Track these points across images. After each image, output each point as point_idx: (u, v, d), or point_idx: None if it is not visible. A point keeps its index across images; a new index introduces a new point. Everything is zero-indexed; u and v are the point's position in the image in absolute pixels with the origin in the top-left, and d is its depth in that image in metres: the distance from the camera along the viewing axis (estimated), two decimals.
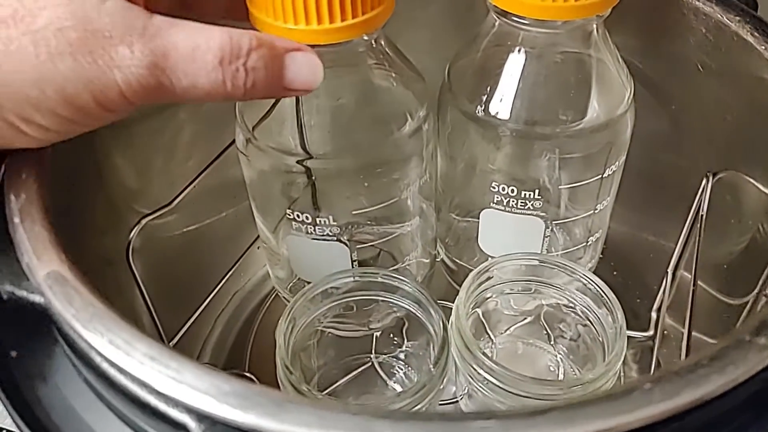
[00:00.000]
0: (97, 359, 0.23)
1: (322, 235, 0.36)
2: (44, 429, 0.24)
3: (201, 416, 0.21)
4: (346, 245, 0.37)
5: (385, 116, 0.36)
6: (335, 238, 0.37)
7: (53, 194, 0.28)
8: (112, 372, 0.23)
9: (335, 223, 0.36)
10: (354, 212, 0.37)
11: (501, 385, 0.35)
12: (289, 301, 0.42)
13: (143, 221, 0.37)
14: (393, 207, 0.37)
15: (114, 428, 0.24)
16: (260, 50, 0.26)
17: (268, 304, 0.47)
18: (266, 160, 0.35)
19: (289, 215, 0.36)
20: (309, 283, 0.38)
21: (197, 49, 0.25)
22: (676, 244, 0.42)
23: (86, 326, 0.23)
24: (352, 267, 0.38)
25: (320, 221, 0.36)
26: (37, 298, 0.25)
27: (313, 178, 0.36)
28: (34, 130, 0.26)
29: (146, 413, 0.23)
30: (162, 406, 0.22)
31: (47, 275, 0.24)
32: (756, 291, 0.34)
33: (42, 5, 0.24)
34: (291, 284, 0.42)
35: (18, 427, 0.25)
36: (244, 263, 0.45)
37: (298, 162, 0.35)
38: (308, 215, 0.36)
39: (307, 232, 0.36)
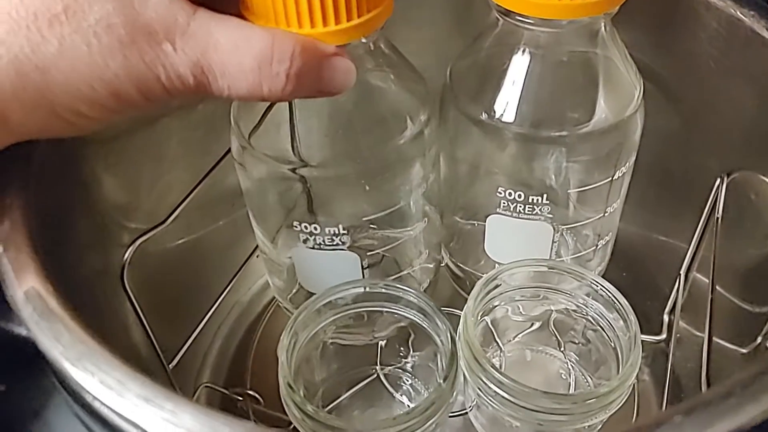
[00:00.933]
0: (89, 398, 0.22)
1: (332, 245, 0.35)
2: None
3: None
4: (357, 254, 0.37)
5: (385, 120, 0.35)
6: (345, 247, 0.36)
7: (39, 217, 0.27)
8: (105, 411, 0.21)
9: (345, 232, 0.35)
10: (356, 219, 0.36)
11: (511, 399, 0.34)
12: (289, 311, 0.41)
13: (137, 241, 0.36)
14: (396, 213, 0.36)
15: None
16: (303, 56, 0.26)
17: (267, 316, 0.46)
18: (262, 168, 0.34)
19: (296, 227, 0.35)
20: (312, 293, 0.37)
21: (237, 50, 0.25)
22: (689, 246, 0.41)
23: (75, 365, 0.21)
24: (363, 276, 0.37)
25: (329, 230, 0.35)
26: (24, 332, 0.24)
27: (309, 185, 0.35)
28: (79, 120, 0.26)
29: None
30: None
31: (33, 310, 0.23)
32: None
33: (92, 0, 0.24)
34: (292, 294, 0.41)
35: None
36: (242, 274, 0.44)
37: (293, 170, 0.33)
38: (316, 225, 0.35)
39: (316, 243, 0.35)
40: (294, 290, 0.41)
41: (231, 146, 0.35)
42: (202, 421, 0.19)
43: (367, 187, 0.35)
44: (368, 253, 0.36)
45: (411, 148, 0.35)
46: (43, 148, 0.29)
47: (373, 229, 0.37)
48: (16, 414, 0.25)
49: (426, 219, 0.39)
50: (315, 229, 0.34)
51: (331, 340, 0.41)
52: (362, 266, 0.37)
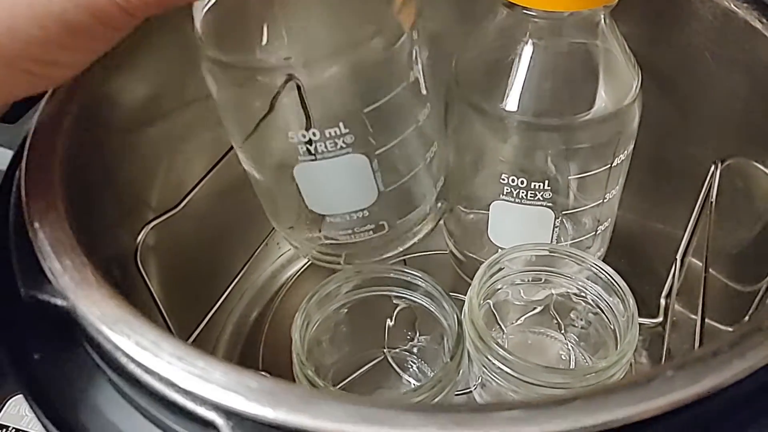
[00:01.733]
0: (123, 360, 0.23)
1: (335, 150, 0.32)
2: (71, 429, 0.25)
3: (230, 414, 0.21)
4: (365, 155, 0.33)
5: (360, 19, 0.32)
6: (350, 150, 0.32)
7: (68, 198, 0.29)
8: (139, 373, 0.23)
9: (347, 131, 0.31)
10: (356, 114, 0.32)
11: (515, 375, 0.36)
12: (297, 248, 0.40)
13: (151, 224, 0.38)
14: (396, 100, 0.33)
15: (141, 428, 0.25)
16: None
17: (280, 299, 0.47)
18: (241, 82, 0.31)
19: (292, 138, 0.31)
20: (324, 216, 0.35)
21: None
22: (685, 231, 0.42)
23: (112, 328, 0.23)
24: (376, 181, 0.34)
25: (329, 133, 0.31)
26: (59, 302, 0.25)
27: (300, 87, 0.31)
28: (41, 68, 0.25)
29: (174, 412, 0.23)
30: (190, 405, 0.22)
31: (71, 279, 0.24)
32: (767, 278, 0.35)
33: None
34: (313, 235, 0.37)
35: (45, 427, 0.25)
36: (257, 258, 0.46)
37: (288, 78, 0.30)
38: (315, 131, 0.31)
39: (318, 151, 0.32)
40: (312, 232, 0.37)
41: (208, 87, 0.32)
42: (231, 377, 0.21)
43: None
44: (376, 153, 0.32)
45: (396, 59, 0.32)
46: (72, 136, 0.31)
47: (375, 121, 0.33)
48: (50, 380, 0.26)
49: (429, 105, 0.36)
50: (314, 134, 0.31)
51: (342, 326, 0.43)
52: (373, 169, 0.33)
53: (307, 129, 0.31)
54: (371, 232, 0.36)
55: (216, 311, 0.42)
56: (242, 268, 0.43)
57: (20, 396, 0.51)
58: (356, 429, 0.20)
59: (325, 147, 0.30)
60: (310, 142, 0.31)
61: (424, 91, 0.35)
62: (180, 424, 0.23)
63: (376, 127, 0.32)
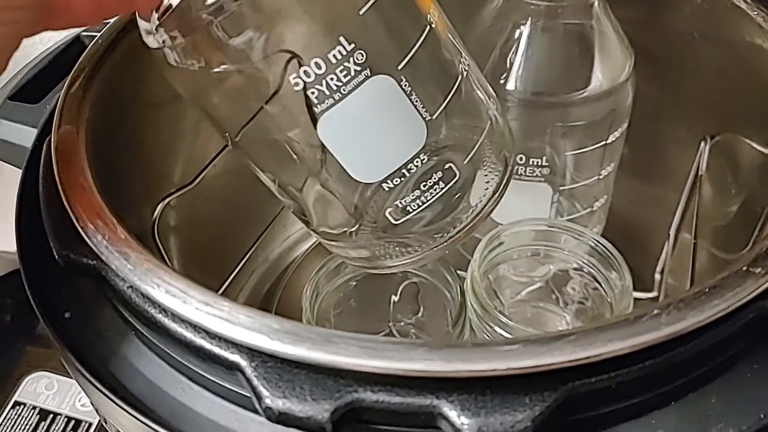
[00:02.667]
0: (153, 311, 0.25)
1: (353, 81, 0.27)
2: (101, 377, 0.26)
3: (253, 354, 0.23)
4: (389, 76, 0.28)
5: None
6: (371, 73, 0.27)
7: (96, 171, 0.30)
8: (168, 322, 0.25)
9: (360, 56, 0.27)
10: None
11: None
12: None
13: (167, 200, 0.39)
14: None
15: (169, 376, 0.26)
16: None
17: (290, 274, 0.49)
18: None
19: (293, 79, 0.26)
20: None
21: None
22: (677, 206, 0.44)
23: (143, 280, 0.25)
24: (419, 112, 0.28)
25: (344, 63, 0.26)
26: (91, 261, 0.27)
27: None
28: None
29: (200, 358, 0.25)
30: (216, 350, 0.24)
31: (103, 237, 0.26)
32: (750, 246, 0.37)
33: None
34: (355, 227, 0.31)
35: (79, 378, 0.27)
36: (267, 235, 0.47)
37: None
38: (318, 60, 0.26)
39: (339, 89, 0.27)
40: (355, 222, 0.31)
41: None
42: (255, 319, 0.23)
43: None
44: (398, 68, 0.27)
45: None
46: (97, 110, 0.33)
47: (378, 26, 0.28)
48: (81, 336, 0.28)
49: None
50: (317, 65, 0.26)
51: (351, 299, 0.44)
52: (404, 91, 0.27)
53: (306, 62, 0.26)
54: (441, 184, 0.29)
55: (228, 285, 0.44)
56: (254, 243, 0.45)
57: (37, 374, 0.53)
58: (370, 362, 0.22)
59: (338, 78, 0.26)
60: (317, 80, 0.26)
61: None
62: (205, 369, 0.25)
63: (383, 33, 0.27)
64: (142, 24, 0.28)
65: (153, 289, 0.24)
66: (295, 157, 0.29)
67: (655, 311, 0.22)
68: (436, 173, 0.29)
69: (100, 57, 0.35)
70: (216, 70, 0.26)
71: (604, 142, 0.41)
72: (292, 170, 0.30)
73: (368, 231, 0.30)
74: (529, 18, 0.38)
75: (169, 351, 0.26)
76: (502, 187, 0.32)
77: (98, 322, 0.29)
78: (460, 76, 0.29)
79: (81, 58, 0.35)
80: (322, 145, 0.28)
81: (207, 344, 0.24)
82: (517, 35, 0.39)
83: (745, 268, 0.24)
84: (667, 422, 0.24)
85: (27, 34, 0.24)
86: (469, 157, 0.30)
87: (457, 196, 0.30)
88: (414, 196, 0.29)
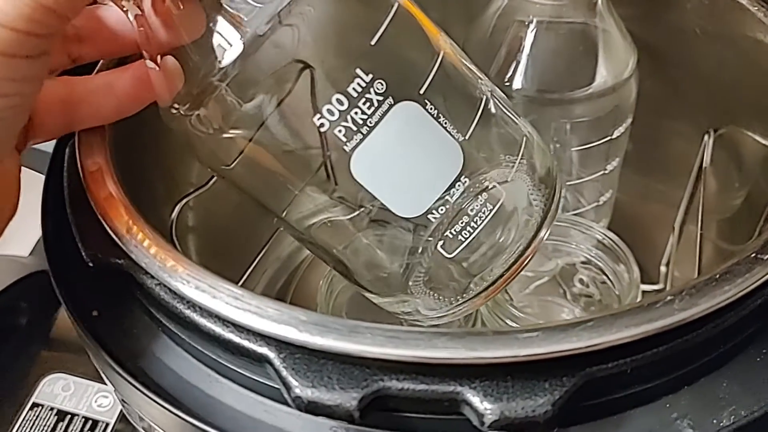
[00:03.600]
0: (181, 307, 0.26)
1: (376, 111, 0.27)
2: (133, 373, 0.27)
3: (281, 346, 0.24)
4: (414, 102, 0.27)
5: None
6: (393, 101, 0.26)
7: (120, 172, 0.31)
8: (196, 317, 0.26)
9: (371, 78, 0.26)
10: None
11: None
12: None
13: (184, 201, 0.40)
14: None
15: (197, 370, 0.27)
16: None
17: (303, 270, 0.50)
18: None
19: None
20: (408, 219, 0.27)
21: None
22: (681, 200, 0.45)
23: (173, 276, 0.26)
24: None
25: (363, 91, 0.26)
26: (119, 260, 0.28)
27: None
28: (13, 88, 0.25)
29: (228, 351, 0.26)
30: (245, 343, 0.25)
31: (132, 237, 0.27)
32: (755, 237, 0.37)
33: None
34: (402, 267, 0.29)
35: (112, 369, 0.27)
36: (280, 233, 0.48)
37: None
38: (341, 97, 0.25)
39: (360, 123, 0.26)
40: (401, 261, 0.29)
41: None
42: (284, 312, 0.24)
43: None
44: (421, 93, 0.26)
45: None
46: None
47: (393, 53, 0.27)
48: (109, 333, 0.29)
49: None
50: (339, 102, 0.25)
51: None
52: (431, 115, 0.27)
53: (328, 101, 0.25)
54: (489, 206, 0.28)
55: (243, 284, 0.45)
56: (267, 242, 0.46)
57: (54, 375, 0.53)
58: (396, 351, 0.23)
59: (362, 111, 0.25)
60: (342, 117, 0.25)
61: None
62: (233, 362, 0.26)
63: (399, 61, 0.27)
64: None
65: (183, 285, 0.25)
66: (342, 218, 0.28)
67: (669, 297, 0.23)
68: (481, 195, 0.28)
69: (118, 63, 0.35)
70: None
71: (608, 138, 0.42)
72: (340, 233, 0.29)
73: (420, 277, 0.29)
74: (534, 17, 0.39)
75: (197, 346, 0.27)
76: (552, 210, 0.30)
77: (126, 321, 0.29)
78: (484, 97, 0.28)
79: (99, 64, 0.35)
80: (361, 186, 0.26)
81: (236, 338, 0.25)
82: (521, 34, 0.40)
83: (754, 255, 0.25)
84: (680, 406, 0.25)
85: None
86: (511, 175, 0.28)
87: (509, 219, 0.29)
88: (464, 223, 0.28)
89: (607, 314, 0.23)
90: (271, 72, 0.25)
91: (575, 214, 0.46)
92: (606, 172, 0.44)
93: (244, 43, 0.24)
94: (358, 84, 0.25)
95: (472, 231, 0.28)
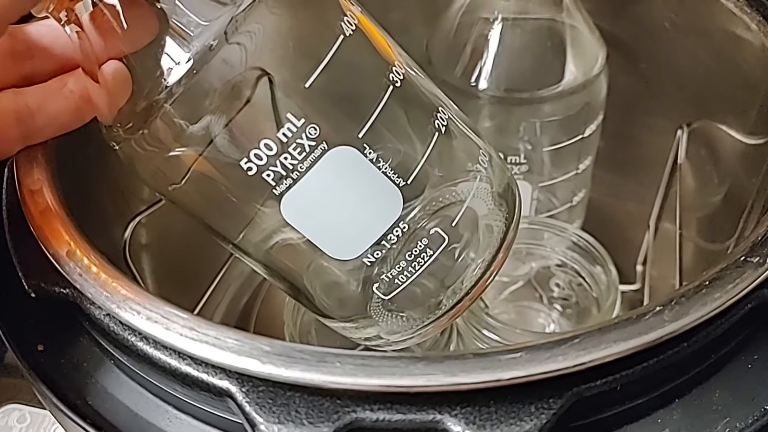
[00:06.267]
0: (133, 339, 0.24)
1: (311, 154, 0.25)
2: (81, 412, 0.25)
3: (244, 379, 0.22)
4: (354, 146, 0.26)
5: None
6: (328, 146, 0.25)
7: (63, 191, 0.29)
8: (149, 350, 0.24)
9: (314, 124, 0.24)
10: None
11: (505, 343, 0.37)
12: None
13: (137, 219, 0.38)
14: None
15: (153, 406, 0.25)
16: None
17: (267, 288, 0.48)
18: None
19: (251, 167, 0.24)
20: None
21: None
22: (656, 196, 0.44)
23: (121, 307, 0.23)
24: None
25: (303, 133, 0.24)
26: (64, 290, 0.26)
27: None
28: None
29: (187, 386, 0.23)
30: (204, 376, 0.23)
31: (76, 264, 0.25)
32: (737, 235, 0.36)
33: None
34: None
35: (58, 409, 0.25)
36: None
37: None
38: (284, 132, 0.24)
39: (297, 161, 0.24)
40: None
41: None
42: (244, 342, 0.22)
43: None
44: (359, 136, 0.24)
45: None
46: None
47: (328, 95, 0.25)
48: (57, 369, 0.27)
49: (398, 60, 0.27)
50: (267, 147, 0.23)
51: None
52: (370, 160, 0.25)
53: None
54: (429, 251, 0.26)
55: (205, 303, 0.42)
56: (229, 257, 0.43)
57: (9, 406, 0.51)
58: (369, 381, 0.21)
59: (292, 156, 0.23)
60: (270, 162, 0.24)
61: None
62: (193, 397, 0.24)
63: (337, 102, 0.25)
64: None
65: (133, 316, 0.23)
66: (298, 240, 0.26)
67: (657, 308, 0.22)
68: (421, 241, 0.26)
69: None
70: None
71: (580, 137, 0.40)
72: (299, 253, 0.27)
73: (379, 301, 0.28)
74: (499, 14, 0.38)
75: (152, 379, 0.25)
76: (510, 232, 0.29)
77: (75, 354, 0.27)
78: (437, 133, 0.26)
79: None
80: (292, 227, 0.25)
81: (193, 371, 0.23)
82: (487, 32, 0.38)
83: (742, 258, 0.23)
84: (673, 421, 0.23)
85: None
86: (459, 215, 0.27)
87: (456, 260, 0.27)
88: (400, 268, 0.26)
89: (594, 329, 0.21)
90: (218, 90, 0.23)
91: (548, 216, 0.44)
92: (578, 171, 0.42)
93: (191, 61, 0.23)
94: (289, 129, 0.23)
95: (409, 276, 0.26)
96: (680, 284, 0.38)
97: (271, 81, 0.24)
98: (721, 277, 0.23)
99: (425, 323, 0.28)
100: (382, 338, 0.29)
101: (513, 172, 0.41)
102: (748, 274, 0.23)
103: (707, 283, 0.22)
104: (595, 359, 0.21)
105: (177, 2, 0.24)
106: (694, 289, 0.22)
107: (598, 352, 0.21)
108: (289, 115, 0.23)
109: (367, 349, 0.30)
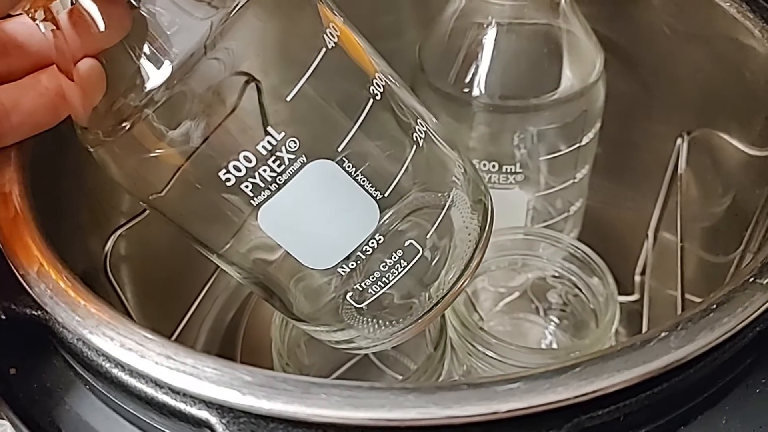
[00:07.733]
0: (107, 365, 0.23)
1: (291, 168, 0.25)
2: None
3: (224, 410, 0.21)
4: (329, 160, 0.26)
5: None
6: (306, 160, 0.25)
7: (36, 206, 0.28)
8: (124, 377, 0.22)
9: (294, 137, 0.24)
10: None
11: (499, 358, 0.36)
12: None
13: (118, 231, 0.37)
14: None
15: None
16: None
17: (254, 301, 0.47)
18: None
19: (228, 180, 0.24)
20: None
21: None
22: (655, 205, 0.43)
23: (94, 332, 0.22)
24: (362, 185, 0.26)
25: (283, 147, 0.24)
26: (35, 312, 0.24)
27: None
28: None
29: (164, 415, 0.22)
30: (181, 406, 0.21)
31: (46, 287, 0.24)
32: (741, 248, 0.35)
33: None
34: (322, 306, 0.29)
35: None
36: None
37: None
38: (264, 143, 0.24)
39: (272, 177, 0.25)
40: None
41: None
42: (224, 372, 0.20)
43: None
44: (339, 150, 0.24)
45: None
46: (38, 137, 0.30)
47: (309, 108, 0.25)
48: (29, 395, 0.25)
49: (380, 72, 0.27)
50: (246, 159, 0.23)
51: None
52: (350, 174, 0.25)
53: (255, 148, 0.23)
54: (403, 263, 0.27)
55: (191, 317, 0.41)
56: (215, 270, 0.42)
57: None
58: (356, 414, 0.19)
59: (271, 169, 0.23)
60: (249, 174, 0.23)
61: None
62: (170, 427, 0.23)
63: (317, 116, 0.25)
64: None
65: (106, 342, 0.22)
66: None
67: (663, 334, 0.20)
68: (395, 252, 0.26)
69: None
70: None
71: (578, 145, 0.39)
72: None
73: (351, 307, 0.28)
74: (494, 19, 0.37)
75: (128, 407, 0.23)
76: (483, 240, 0.29)
77: (49, 379, 0.26)
78: (415, 146, 0.26)
79: None
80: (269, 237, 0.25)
81: (171, 400, 0.22)
82: (481, 37, 0.37)
83: (751, 280, 0.22)
84: None
85: None
86: (434, 227, 0.27)
87: (430, 269, 0.28)
88: (374, 278, 0.27)
89: (596, 356, 0.20)
90: (197, 97, 0.23)
91: (545, 226, 0.43)
92: (576, 180, 0.41)
93: (170, 67, 0.22)
94: (268, 142, 0.23)
95: (383, 286, 0.27)
96: (681, 296, 0.37)
97: (259, 89, 0.23)
98: (729, 300, 0.21)
99: (400, 329, 0.29)
100: (355, 342, 0.29)
101: (509, 182, 0.40)
102: (757, 297, 0.22)
103: (714, 306, 0.21)
104: (597, 389, 0.19)
105: (157, 4, 0.23)
106: (701, 313, 0.21)
107: (600, 381, 0.20)
108: (269, 128, 0.23)
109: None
